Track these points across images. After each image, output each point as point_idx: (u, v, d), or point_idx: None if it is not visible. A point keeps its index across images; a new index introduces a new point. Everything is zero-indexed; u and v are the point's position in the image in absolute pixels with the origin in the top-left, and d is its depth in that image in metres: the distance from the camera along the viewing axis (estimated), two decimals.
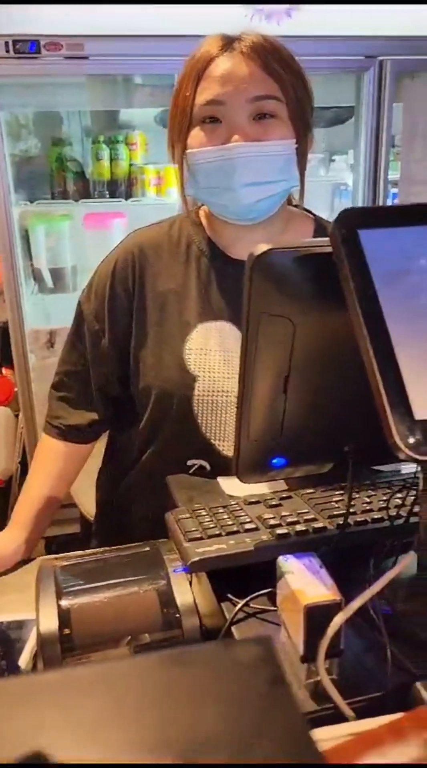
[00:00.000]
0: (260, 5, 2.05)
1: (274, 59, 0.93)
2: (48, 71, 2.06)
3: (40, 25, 2.01)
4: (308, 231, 1.09)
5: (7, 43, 1.99)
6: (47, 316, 2.54)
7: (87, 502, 1.12)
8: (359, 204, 2.30)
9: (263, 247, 0.57)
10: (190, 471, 1.04)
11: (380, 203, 2.28)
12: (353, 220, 0.51)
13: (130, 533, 1.07)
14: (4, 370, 2.64)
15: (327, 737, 0.45)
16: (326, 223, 1.11)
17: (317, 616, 0.55)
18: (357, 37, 2.13)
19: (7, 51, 2.00)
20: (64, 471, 1.15)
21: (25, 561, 1.02)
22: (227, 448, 1.04)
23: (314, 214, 1.12)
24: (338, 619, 0.55)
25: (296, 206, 1.11)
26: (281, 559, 0.63)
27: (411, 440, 0.47)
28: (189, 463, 1.04)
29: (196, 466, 1.04)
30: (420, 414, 0.48)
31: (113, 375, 1.10)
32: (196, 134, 0.96)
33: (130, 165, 2.46)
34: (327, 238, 0.53)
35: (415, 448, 0.47)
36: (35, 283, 2.50)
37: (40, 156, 2.54)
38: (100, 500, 1.24)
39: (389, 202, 2.35)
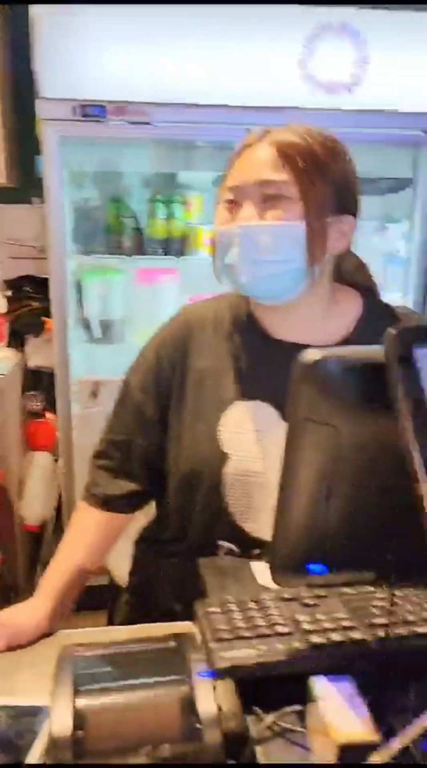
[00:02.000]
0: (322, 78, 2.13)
1: (293, 148, 0.95)
2: (113, 134, 2.15)
3: (107, 90, 2.10)
4: (355, 311, 1.06)
5: (75, 107, 2.08)
6: (94, 366, 2.55)
7: (117, 567, 1.10)
8: (413, 273, 2.37)
9: (314, 355, 0.55)
10: (219, 552, 1.02)
11: None
12: (409, 338, 0.50)
13: (161, 596, 1.09)
14: (47, 416, 2.55)
15: None
16: (376, 302, 1.10)
17: (351, 756, 0.52)
18: (415, 113, 2.18)
19: (75, 114, 2.09)
20: (100, 541, 1.12)
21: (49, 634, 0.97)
22: (255, 530, 1.01)
23: (361, 289, 1.10)
24: (375, 761, 0.52)
25: (351, 281, 1.10)
26: (314, 681, 0.60)
27: None
28: (219, 543, 1.02)
29: (226, 550, 1.02)
30: None
31: (154, 447, 1.10)
32: (219, 212, 1.01)
33: (186, 224, 2.56)
34: (378, 347, 0.51)
35: None
36: (84, 332, 2.50)
37: (99, 208, 2.59)
38: (135, 561, 1.21)
39: None
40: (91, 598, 1.27)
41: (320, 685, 0.59)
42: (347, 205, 1.02)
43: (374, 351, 0.52)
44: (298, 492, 0.61)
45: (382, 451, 0.55)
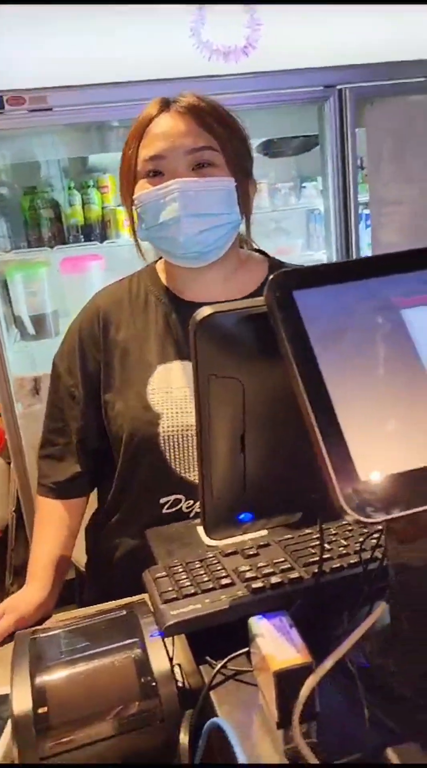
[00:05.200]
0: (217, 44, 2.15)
1: (207, 115, 1.00)
2: (13, 125, 2.11)
3: (2, 79, 2.06)
4: (262, 272, 1.14)
5: None
6: (31, 362, 2.53)
7: (77, 552, 1.17)
8: (333, 228, 2.40)
9: (205, 311, 0.56)
10: (166, 507, 1.08)
11: (353, 226, 2.38)
12: (287, 282, 0.51)
13: (116, 577, 1.13)
14: None
15: None
16: (280, 263, 1.16)
17: (287, 681, 0.54)
18: (314, 69, 2.20)
19: None
20: (64, 529, 1.16)
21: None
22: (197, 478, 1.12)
23: (268, 255, 1.18)
24: (310, 683, 0.54)
25: (255, 250, 1.18)
26: (252, 621, 0.62)
27: (357, 502, 0.46)
28: (162, 500, 1.08)
29: (170, 503, 1.08)
30: (365, 474, 0.47)
31: (90, 428, 1.14)
32: (141, 186, 1.02)
33: (103, 208, 2.54)
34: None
35: (360, 511, 0.46)
36: (17, 331, 2.47)
37: (16, 202, 2.54)
38: (89, 548, 1.25)
39: (361, 225, 2.44)
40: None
41: (257, 623, 0.61)
42: (251, 167, 1.09)
43: (262, 301, 0.54)
44: (214, 447, 0.63)
45: (288, 396, 0.55)
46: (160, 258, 1.16)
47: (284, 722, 0.55)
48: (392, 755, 0.52)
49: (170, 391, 1.06)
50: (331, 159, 2.34)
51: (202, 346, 0.57)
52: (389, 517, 0.46)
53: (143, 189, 1.03)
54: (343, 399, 0.49)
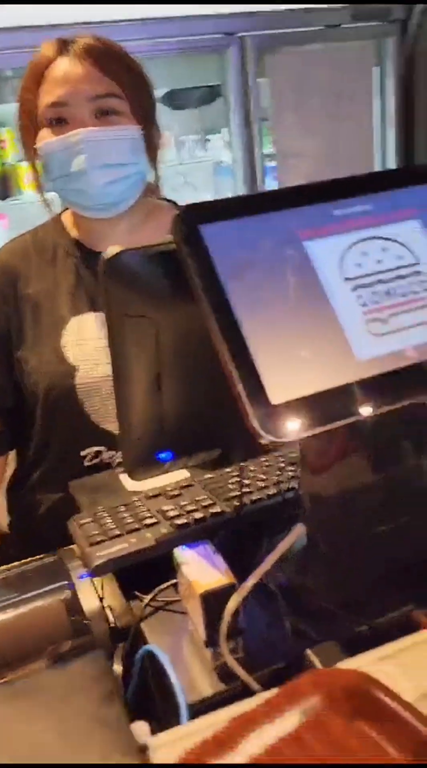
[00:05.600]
0: None
1: (109, 59, 0.98)
2: None
3: None
4: (169, 221, 1.23)
5: None
6: None
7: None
8: (240, 181, 2.39)
9: (113, 250, 0.56)
10: (86, 460, 1.07)
11: (258, 178, 2.37)
12: (194, 216, 0.52)
13: (42, 533, 1.05)
14: None
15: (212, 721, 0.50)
16: None
17: (213, 602, 0.57)
18: (214, 15, 2.14)
19: None
20: None
21: None
22: (117, 429, 1.13)
23: (177, 204, 1.18)
24: (233, 602, 0.57)
25: (163, 199, 1.18)
26: (176, 551, 0.64)
27: (269, 424, 0.48)
28: (83, 453, 1.07)
29: (91, 455, 1.07)
30: (276, 398, 0.49)
31: (5, 386, 1.11)
32: (44, 135, 1.00)
33: (3, 164, 2.43)
34: None
35: (273, 431, 0.48)
36: None
37: None
38: (10, 508, 1.23)
39: (267, 177, 2.43)
40: None
41: (181, 553, 0.64)
42: (154, 114, 1.07)
43: (171, 239, 0.54)
44: (130, 387, 0.63)
45: (201, 332, 0.56)
46: (66, 209, 1.14)
47: (212, 641, 0.58)
48: (312, 657, 0.56)
49: (84, 343, 1.06)
50: (234, 109, 2.32)
51: (112, 286, 0.57)
52: (301, 435, 0.49)
53: (46, 138, 1.00)
54: (253, 329, 0.50)
